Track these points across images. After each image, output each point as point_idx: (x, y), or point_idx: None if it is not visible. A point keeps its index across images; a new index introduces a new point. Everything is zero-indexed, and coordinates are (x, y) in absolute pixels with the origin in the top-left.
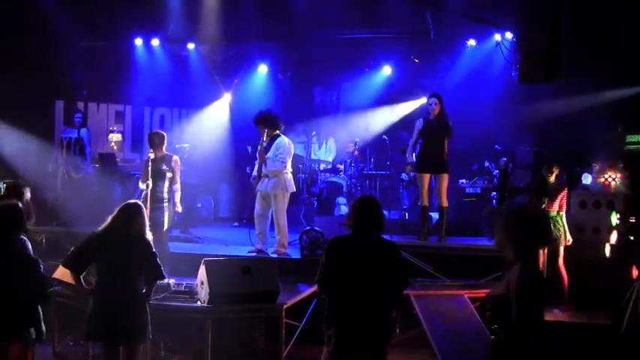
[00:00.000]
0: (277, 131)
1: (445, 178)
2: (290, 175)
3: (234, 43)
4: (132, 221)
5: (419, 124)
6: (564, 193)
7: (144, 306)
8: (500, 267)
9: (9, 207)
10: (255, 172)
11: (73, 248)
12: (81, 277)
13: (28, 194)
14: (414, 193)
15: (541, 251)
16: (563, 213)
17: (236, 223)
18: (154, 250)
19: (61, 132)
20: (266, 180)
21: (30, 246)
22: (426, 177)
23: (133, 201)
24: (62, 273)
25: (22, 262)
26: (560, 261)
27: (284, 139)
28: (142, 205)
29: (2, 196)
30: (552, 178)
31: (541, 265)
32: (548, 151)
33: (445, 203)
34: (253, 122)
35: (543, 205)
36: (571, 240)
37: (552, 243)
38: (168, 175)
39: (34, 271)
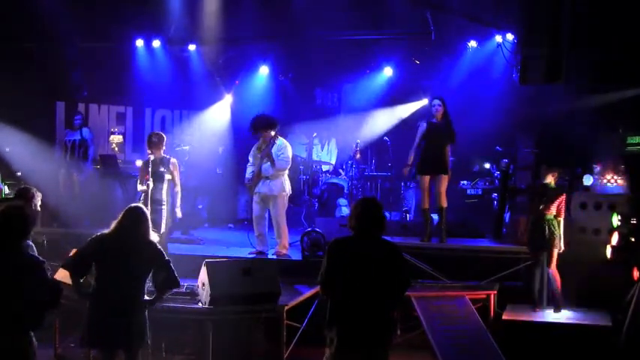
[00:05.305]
0: (273, 133)
1: (444, 180)
2: (287, 177)
3: (235, 44)
4: (138, 226)
5: (422, 126)
6: (563, 197)
7: (142, 311)
8: (501, 268)
9: (14, 210)
10: (249, 175)
11: (75, 250)
12: (80, 280)
13: (38, 199)
14: (416, 195)
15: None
16: (561, 219)
17: (230, 225)
18: (167, 257)
19: (64, 134)
20: (267, 181)
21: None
22: (427, 179)
23: (136, 205)
24: (63, 275)
25: (30, 267)
26: (553, 265)
27: (283, 140)
28: (146, 209)
29: (11, 200)
30: (551, 181)
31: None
32: (549, 153)
33: (444, 204)
34: (252, 127)
35: (541, 207)
36: (563, 248)
37: (545, 245)
38: (167, 177)
39: (44, 276)
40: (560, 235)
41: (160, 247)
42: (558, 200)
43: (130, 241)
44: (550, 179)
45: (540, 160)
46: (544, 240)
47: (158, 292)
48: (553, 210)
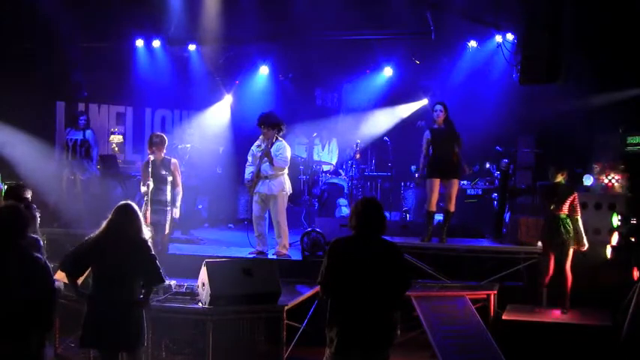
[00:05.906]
0: (276, 133)
1: (455, 184)
2: (287, 176)
3: (235, 44)
4: (129, 224)
5: (427, 135)
6: (574, 195)
7: (140, 311)
8: (501, 268)
9: (10, 210)
10: (248, 175)
11: (69, 252)
12: (77, 281)
13: (28, 197)
14: (416, 195)
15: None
16: (578, 217)
17: (230, 225)
18: (153, 252)
19: (65, 134)
20: (267, 182)
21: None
22: (436, 182)
23: (126, 202)
24: (62, 275)
25: (31, 268)
26: (568, 264)
27: (283, 142)
28: (136, 205)
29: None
30: (561, 180)
31: (551, 267)
32: (549, 153)
33: (452, 208)
34: (259, 120)
35: (552, 207)
36: (587, 245)
37: (561, 245)
38: (169, 178)
39: (45, 277)
40: (581, 232)
41: (149, 244)
42: (570, 199)
43: (122, 240)
44: (560, 179)
45: (540, 161)
46: (560, 240)
47: (145, 289)
48: (565, 209)
